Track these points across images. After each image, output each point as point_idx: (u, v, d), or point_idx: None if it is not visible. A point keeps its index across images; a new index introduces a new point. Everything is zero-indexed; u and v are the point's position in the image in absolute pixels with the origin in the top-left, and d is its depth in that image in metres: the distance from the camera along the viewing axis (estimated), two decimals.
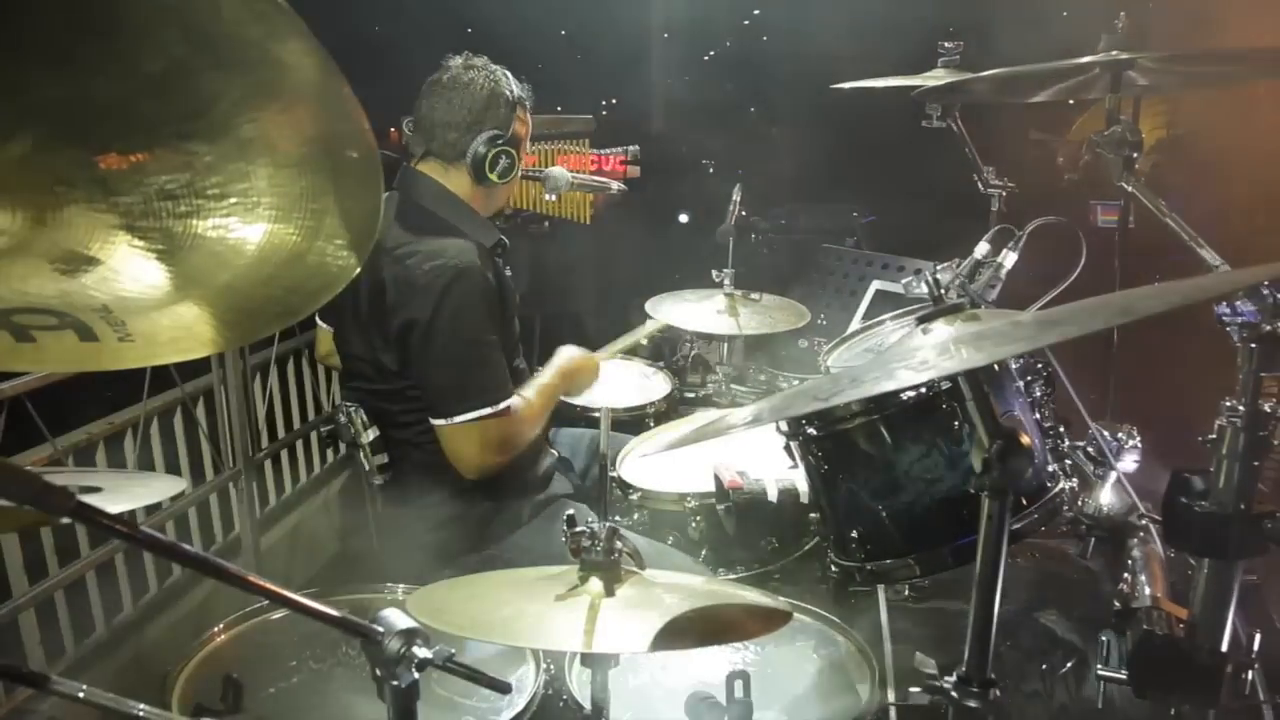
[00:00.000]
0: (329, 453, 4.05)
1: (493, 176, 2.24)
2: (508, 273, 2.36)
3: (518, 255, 2.47)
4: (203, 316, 0.88)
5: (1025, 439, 1.14)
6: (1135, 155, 1.63)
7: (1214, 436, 1.43)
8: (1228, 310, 1.38)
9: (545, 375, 2.39)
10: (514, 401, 2.18)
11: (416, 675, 1.04)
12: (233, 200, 0.83)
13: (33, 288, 0.83)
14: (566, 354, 2.52)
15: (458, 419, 2.10)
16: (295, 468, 3.86)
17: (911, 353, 1.13)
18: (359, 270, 0.91)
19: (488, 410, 2.11)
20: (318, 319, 2.61)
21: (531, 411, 2.26)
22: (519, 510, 2.32)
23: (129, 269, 0.84)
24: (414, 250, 2.13)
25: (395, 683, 1.03)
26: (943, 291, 1.59)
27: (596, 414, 2.28)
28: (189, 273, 0.87)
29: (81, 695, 1.01)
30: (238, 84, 0.75)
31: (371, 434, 2.24)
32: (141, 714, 1.06)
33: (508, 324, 2.31)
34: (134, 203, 0.81)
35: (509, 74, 2.30)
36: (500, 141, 2.23)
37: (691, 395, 3.18)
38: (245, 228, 0.85)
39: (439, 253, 2.12)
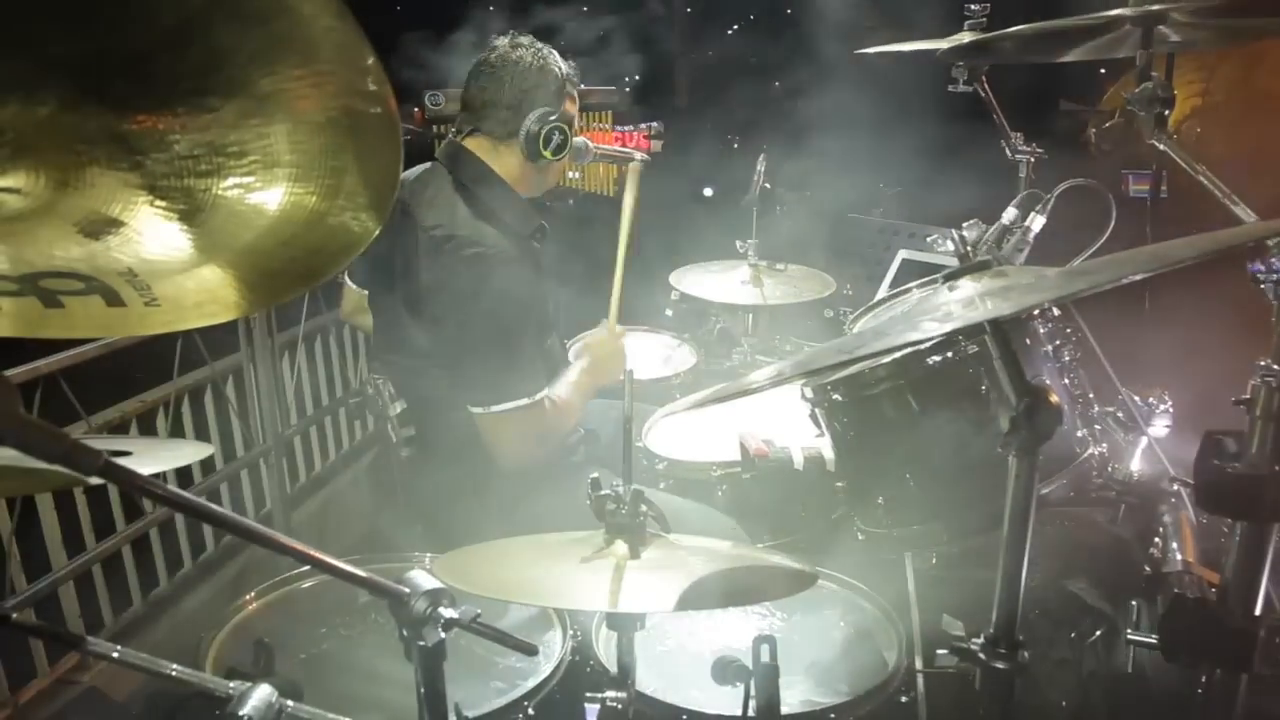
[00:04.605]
0: (357, 427, 4.09)
1: (547, 153, 2.22)
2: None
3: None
4: (226, 279, 0.88)
5: (1053, 396, 1.12)
6: (1166, 112, 1.59)
7: (1248, 397, 1.40)
8: (1262, 268, 1.35)
9: (573, 374, 2.36)
10: (547, 395, 2.18)
11: (443, 635, 1.05)
12: (252, 158, 0.83)
13: (59, 250, 0.83)
14: (589, 349, 2.47)
15: (495, 409, 2.11)
16: (324, 444, 3.90)
17: (936, 307, 1.12)
18: (391, 239, 0.91)
19: (524, 400, 2.11)
20: (347, 279, 2.59)
21: (567, 406, 2.26)
22: (546, 482, 2.33)
23: (152, 230, 0.85)
24: (451, 233, 2.12)
25: (422, 643, 1.04)
26: (969, 249, 1.56)
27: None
28: (211, 234, 0.87)
29: (116, 655, 1.03)
30: (255, 36, 0.75)
31: (399, 406, 2.25)
32: (174, 674, 1.08)
33: (541, 305, 2.31)
34: (155, 162, 0.81)
35: (554, 51, 2.28)
36: (553, 118, 2.22)
37: (717, 367, 3.17)
38: (265, 187, 0.85)
39: (477, 240, 2.11)
